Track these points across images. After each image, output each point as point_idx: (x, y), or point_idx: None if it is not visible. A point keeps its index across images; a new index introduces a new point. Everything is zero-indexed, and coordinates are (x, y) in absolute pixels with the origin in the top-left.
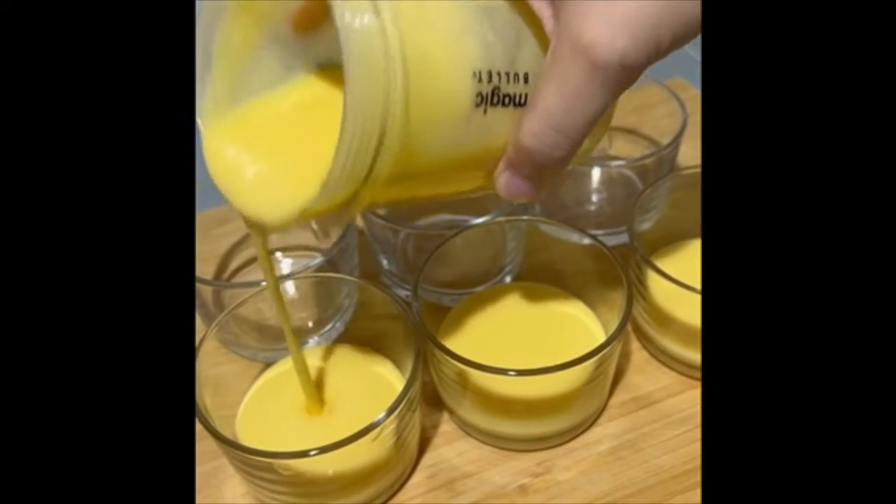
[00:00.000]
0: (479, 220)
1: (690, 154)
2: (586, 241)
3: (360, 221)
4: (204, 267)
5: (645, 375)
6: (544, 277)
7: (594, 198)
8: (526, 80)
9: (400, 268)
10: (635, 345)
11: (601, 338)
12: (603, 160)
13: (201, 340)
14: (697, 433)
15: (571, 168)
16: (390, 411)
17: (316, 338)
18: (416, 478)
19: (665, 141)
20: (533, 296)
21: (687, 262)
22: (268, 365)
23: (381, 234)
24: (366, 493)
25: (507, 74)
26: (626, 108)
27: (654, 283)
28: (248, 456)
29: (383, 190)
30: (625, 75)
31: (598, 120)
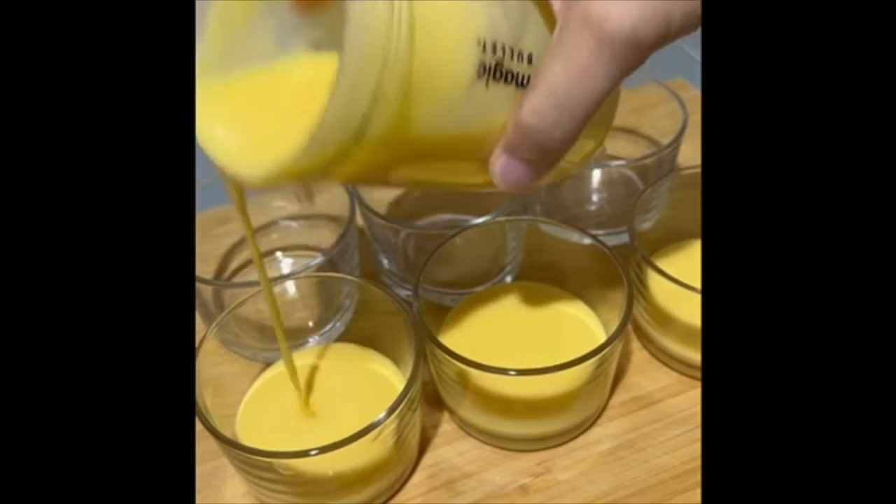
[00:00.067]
0: (480, 220)
1: (690, 154)
2: (587, 240)
3: (360, 221)
4: (204, 267)
5: (645, 375)
6: (545, 277)
7: (594, 198)
8: (530, 62)
9: (400, 267)
10: (636, 345)
11: (601, 338)
12: (603, 160)
13: (201, 340)
14: (698, 433)
15: (575, 173)
16: (391, 411)
17: (316, 337)
18: (417, 478)
19: (665, 141)
20: (533, 296)
21: (687, 262)
22: (268, 365)
23: (382, 233)
24: (366, 493)
25: (512, 51)
26: (626, 108)
27: (655, 282)
28: (248, 455)
29: (373, 155)
30: (633, 53)
31: (602, 103)
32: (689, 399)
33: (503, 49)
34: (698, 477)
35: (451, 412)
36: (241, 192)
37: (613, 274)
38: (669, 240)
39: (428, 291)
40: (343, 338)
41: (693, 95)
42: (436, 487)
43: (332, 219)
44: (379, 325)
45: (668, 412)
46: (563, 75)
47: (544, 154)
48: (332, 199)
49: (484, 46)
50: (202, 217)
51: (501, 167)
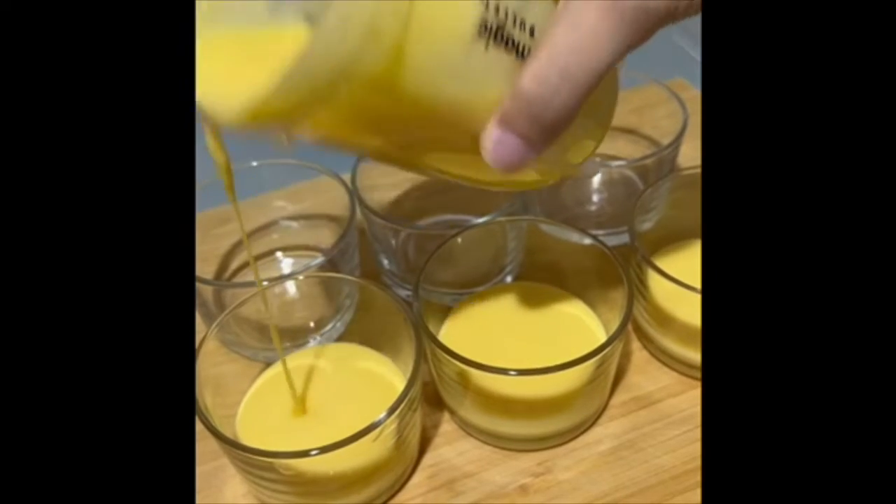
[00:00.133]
0: (480, 220)
1: (691, 154)
2: (587, 241)
3: (360, 221)
4: (204, 267)
5: (645, 375)
6: (545, 277)
7: (595, 198)
8: (532, 34)
9: (401, 268)
10: (636, 345)
11: (602, 338)
12: (603, 160)
13: (202, 340)
14: (698, 433)
15: (572, 176)
16: (391, 411)
17: (317, 337)
18: (417, 478)
19: (665, 141)
20: (534, 296)
21: (687, 262)
22: (268, 365)
23: (382, 233)
24: (366, 493)
25: (515, 17)
26: (627, 108)
27: (655, 282)
28: (248, 455)
29: (358, 102)
30: (641, 23)
31: (604, 76)
32: (689, 399)
33: (506, 13)
34: (698, 477)
35: (452, 412)
36: (218, 135)
37: (614, 274)
38: (669, 240)
39: (428, 291)
40: (343, 338)
41: (693, 95)
42: (436, 487)
43: (332, 219)
44: (379, 325)
45: (668, 412)
46: (568, 42)
47: (541, 127)
48: (333, 199)
49: (487, 4)
50: (202, 217)
51: (494, 142)
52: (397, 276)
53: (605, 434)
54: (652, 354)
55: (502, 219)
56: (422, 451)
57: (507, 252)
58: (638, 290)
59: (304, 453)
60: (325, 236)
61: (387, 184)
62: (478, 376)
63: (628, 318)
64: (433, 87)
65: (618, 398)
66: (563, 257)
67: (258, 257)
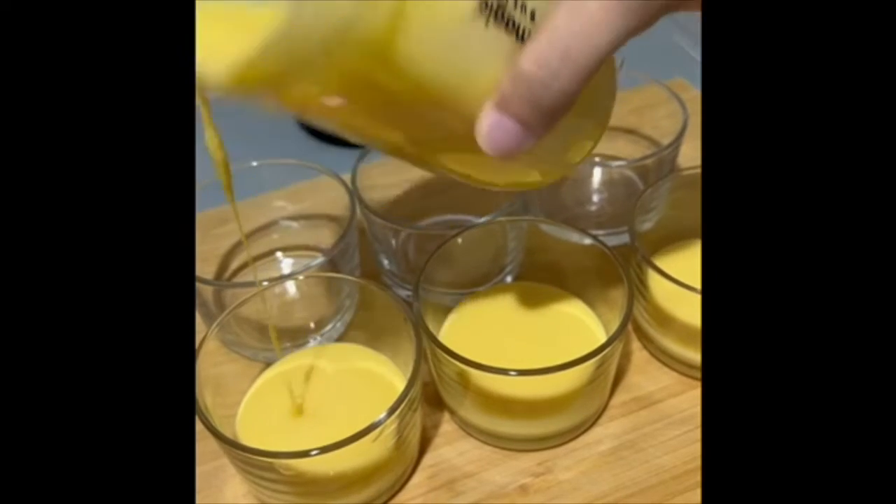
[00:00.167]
0: (480, 220)
1: (691, 154)
2: (587, 241)
3: (360, 221)
4: (204, 267)
5: (645, 375)
6: (545, 277)
7: (595, 198)
8: (532, 18)
9: (401, 268)
10: (636, 345)
11: (602, 338)
12: (603, 160)
13: (202, 340)
14: (698, 433)
15: (570, 176)
16: (391, 411)
17: (317, 337)
18: (417, 478)
19: (665, 141)
20: (534, 296)
21: (687, 262)
22: (268, 365)
23: (382, 233)
24: (366, 493)
25: None
26: (627, 108)
27: (655, 283)
28: (248, 455)
29: (350, 69)
30: (643, 8)
31: (604, 61)
32: (689, 399)
33: None
34: (698, 477)
35: (452, 412)
36: (206, 101)
37: (614, 274)
38: (670, 240)
39: (428, 291)
40: (343, 338)
41: (693, 95)
42: (436, 487)
43: (332, 219)
44: (379, 325)
45: (668, 412)
46: (569, 26)
47: (539, 111)
48: (333, 199)
49: None
50: (202, 217)
51: (490, 125)
52: (397, 276)
53: (605, 434)
54: (652, 354)
55: (502, 219)
56: (422, 451)
57: (507, 252)
58: (638, 291)
59: (305, 453)
60: (325, 236)
61: (387, 184)
62: (478, 376)
63: (628, 318)
64: (429, 61)
65: (618, 398)
66: (563, 257)
67: (258, 257)
